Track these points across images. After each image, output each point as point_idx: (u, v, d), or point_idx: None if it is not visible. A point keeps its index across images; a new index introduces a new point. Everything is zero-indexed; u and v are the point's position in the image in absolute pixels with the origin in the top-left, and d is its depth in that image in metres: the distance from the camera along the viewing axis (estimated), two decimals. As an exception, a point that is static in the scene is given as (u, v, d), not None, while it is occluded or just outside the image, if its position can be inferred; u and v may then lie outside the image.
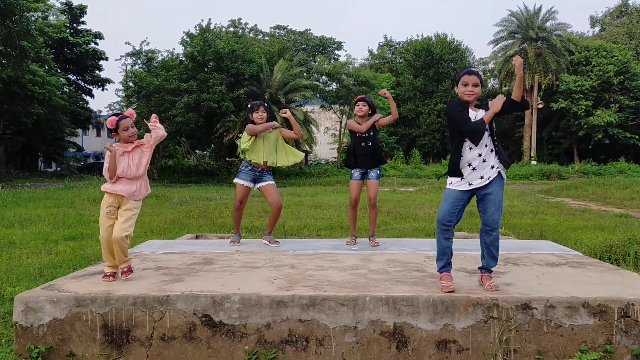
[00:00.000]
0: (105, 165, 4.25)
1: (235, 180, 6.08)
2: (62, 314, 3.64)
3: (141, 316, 3.64)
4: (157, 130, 4.36)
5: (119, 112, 4.40)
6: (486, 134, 3.93)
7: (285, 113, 6.21)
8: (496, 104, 3.93)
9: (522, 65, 3.83)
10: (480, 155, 3.91)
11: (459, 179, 3.94)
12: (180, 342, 3.62)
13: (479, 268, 4.06)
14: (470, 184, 3.93)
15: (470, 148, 3.92)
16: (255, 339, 3.60)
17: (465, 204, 4.01)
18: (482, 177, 3.91)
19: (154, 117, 4.47)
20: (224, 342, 3.61)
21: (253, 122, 6.05)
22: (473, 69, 4.01)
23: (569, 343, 3.54)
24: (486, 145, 3.94)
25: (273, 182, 6.09)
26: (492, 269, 4.05)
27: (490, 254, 4.03)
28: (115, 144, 4.30)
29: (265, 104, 6.15)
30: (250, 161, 6.00)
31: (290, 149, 6.26)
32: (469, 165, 3.92)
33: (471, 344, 3.55)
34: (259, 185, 6.04)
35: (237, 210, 6.16)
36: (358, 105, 6.07)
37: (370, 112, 6.10)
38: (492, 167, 3.94)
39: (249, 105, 6.16)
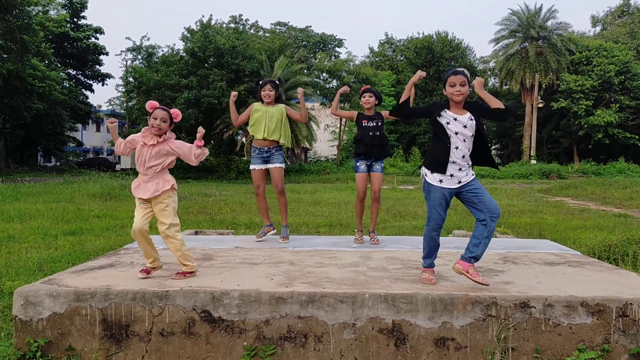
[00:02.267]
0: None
1: (250, 166, 6.17)
2: (62, 308, 3.65)
3: (140, 311, 3.64)
4: (202, 151, 4.32)
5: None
6: (469, 135, 3.99)
7: (298, 93, 6.23)
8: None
9: (483, 84, 3.93)
10: (464, 157, 4.00)
11: (449, 176, 3.99)
12: (179, 338, 3.63)
13: (470, 257, 3.97)
14: (460, 182, 4.00)
15: (457, 147, 3.97)
16: (254, 335, 3.61)
17: (449, 203, 4.10)
18: (467, 175, 4.02)
19: (200, 134, 4.30)
20: (223, 337, 3.62)
21: (262, 100, 6.11)
22: (458, 69, 4.06)
23: (567, 342, 3.55)
24: (468, 150, 4.02)
25: (280, 165, 6.09)
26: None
27: (487, 242, 4.04)
28: (137, 135, 4.27)
29: (276, 81, 6.17)
30: (253, 140, 6.07)
31: (289, 132, 6.26)
32: (454, 162, 3.99)
33: (469, 342, 3.56)
34: (268, 165, 6.10)
35: (257, 195, 6.20)
36: (365, 97, 6.07)
37: (377, 103, 6.11)
38: (471, 167, 4.06)
39: (261, 82, 6.18)
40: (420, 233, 8.78)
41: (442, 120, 4.01)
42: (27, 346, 3.61)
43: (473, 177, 4.04)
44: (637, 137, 41.83)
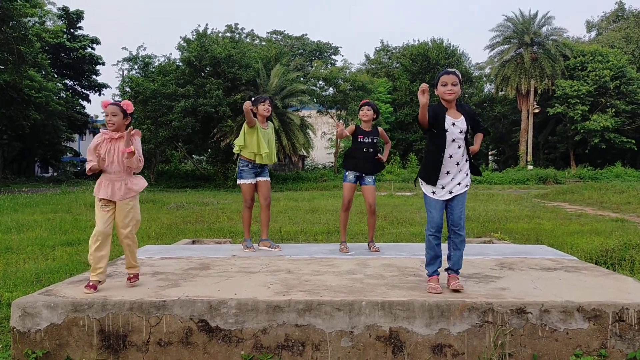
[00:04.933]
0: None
1: (239, 181, 6.15)
2: (59, 319, 3.65)
3: (138, 321, 3.65)
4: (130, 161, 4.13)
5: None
6: (463, 144, 4.03)
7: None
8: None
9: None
10: (458, 164, 4.02)
11: (440, 188, 4.03)
12: (176, 347, 3.63)
13: (446, 269, 4.15)
14: (450, 192, 4.04)
15: (450, 156, 3.99)
16: (251, 344, 3.62)
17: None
18: (459, 184, 4.04)
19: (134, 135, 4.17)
20: (220, 347, 3.62)
21: (255, 115, 6.15)
22: (450, 69, 4.09)
23: (563, 347, 3.56)
24: (462, 155, 4.05)
25: (268, 179, 6.24)
26: (460, 270, 4.15)
27: (458, 254, 4.11)
28: (96, 138, 4.18)
29: (272, 99, 6.23)
30: (247, 158, 6.09)
31: (274, 152, 6.33)
32: (448, 173, 4.00)
33: (466, 349, 3.57)
34: (259, 179, 6.15)
35: (248, 208, 6.20)
36: (362, 110, 6.09)
37: (375, 117, 6.13)
38: (467, 175, 4.08)
39: (253, 98, 6.19)
40: (417, 240, 8.80)
41: (443, 126, 4.00)
42: (25, 357, 3.61)
43: (465, 189, 4.06)
44: (633, 141, 41.93)
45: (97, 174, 4.20)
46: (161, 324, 3.64)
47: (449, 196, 4.03)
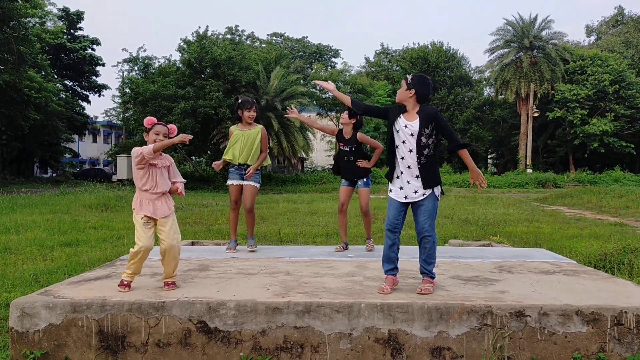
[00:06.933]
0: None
1: (227, 182, 6.16)
2: (58, 319, 3.65)
3: (137, 322, 3.64)
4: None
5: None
6: (414, 148, 4.01)
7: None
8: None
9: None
10: (409, 167, 4.04)
11: (398, 189, 4.07)
12: (175, 348, 3.63)
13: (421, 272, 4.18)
14: (406, 197, 4.06)
15: (402, 158, 4.04)
16: (250, 346, 3.61)
17: (406, 213, 4.16)
18: (416, 192, 4.05)
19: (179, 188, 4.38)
20: (219, 348, 3.62)
21: (240, 120, 6.12)
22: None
23: (562, 351, 3.56)
24: (418, 160, 4.03)
25: (255, 184, 6.08)
26: (432, 271, 4.13)
27: (426, 259, 4.11)
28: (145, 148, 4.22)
29: (258, 103, 6.20)
30: (229, 160, 6.07)
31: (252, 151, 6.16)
32: (402, 174, 4.06)
33: (465, 351, 3.57)
34: (243, 182, 6.08)
35: (232, 210, 6.19)
36: (343, 113, 6.19)
37: (354, 122, 6.11)
38: (427, 185, 4.03)
39: (240, 101, 6.13)
40: (415, 242, 8.79)
41: (395, 127, 4.06)
42: (24, 358, 3.61)
43: (423, 197, 4.03)
44: (632, 145, 41.96)
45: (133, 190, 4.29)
46: (160, 325, 3.64)
47: (404, 200, 4.07)
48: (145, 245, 4.09)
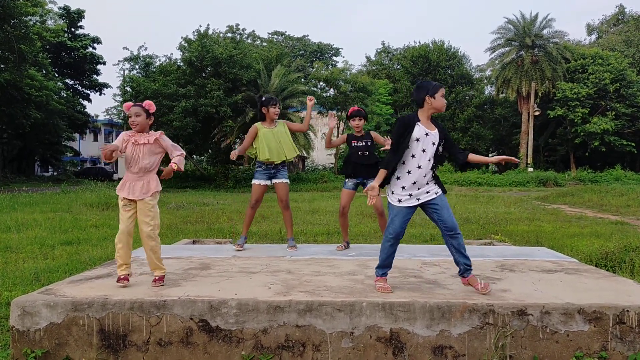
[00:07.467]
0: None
1: (253, 181, 6.19)
2: (59, 318, 3.65)
3: (138, 321, 3.64)
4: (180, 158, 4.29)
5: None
6: (430, 155, 4.00)
7: (310, 100, 6.25)
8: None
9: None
10: (425, 176, 4.02)
11: (407, 196, 4.01)
12: (177, 347, 3.62)
13: (459, 274, 4.10)
14: (418, 199, 4.03)
15: (419, 166, 3.99)
16: (252, 344, 3.61)
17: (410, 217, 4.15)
18: (428, 192, 4.04)
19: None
20: (220, 347, 3.62)
21: (263, 118, 6.14)
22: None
23: (564, 349, 3.55)
24: (431, 168, 4.05)
25: (286, 181, 6.19)
26: (471, 267, 4.09)
27: (462, 255, 4.07)
28: (127, 132, 4.26)
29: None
30: (260, 160, 6.11)
31: (293, 144, 6.26)
32: (414, 183, 4.01)
33: (467, 350, 3.57)
34: (274, 181, 6.16)
35: (251, 208, 6.22)
36: (354, 120, 6.08)
37: (364, 122, 6.17)
38: (436, 184, 4.08)
39: (264, 98, 6.15)
40: (417, 241, 8.80)
41: (414, 136, 3.98)
42: (25, 357, 3.60)
43: (436, 195, 4.04)
44: (633, 144, 41.94)
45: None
46: (161, 323, 3.63)
47: (415, 202, 4.05)
48: (121, 229, 4.10)
